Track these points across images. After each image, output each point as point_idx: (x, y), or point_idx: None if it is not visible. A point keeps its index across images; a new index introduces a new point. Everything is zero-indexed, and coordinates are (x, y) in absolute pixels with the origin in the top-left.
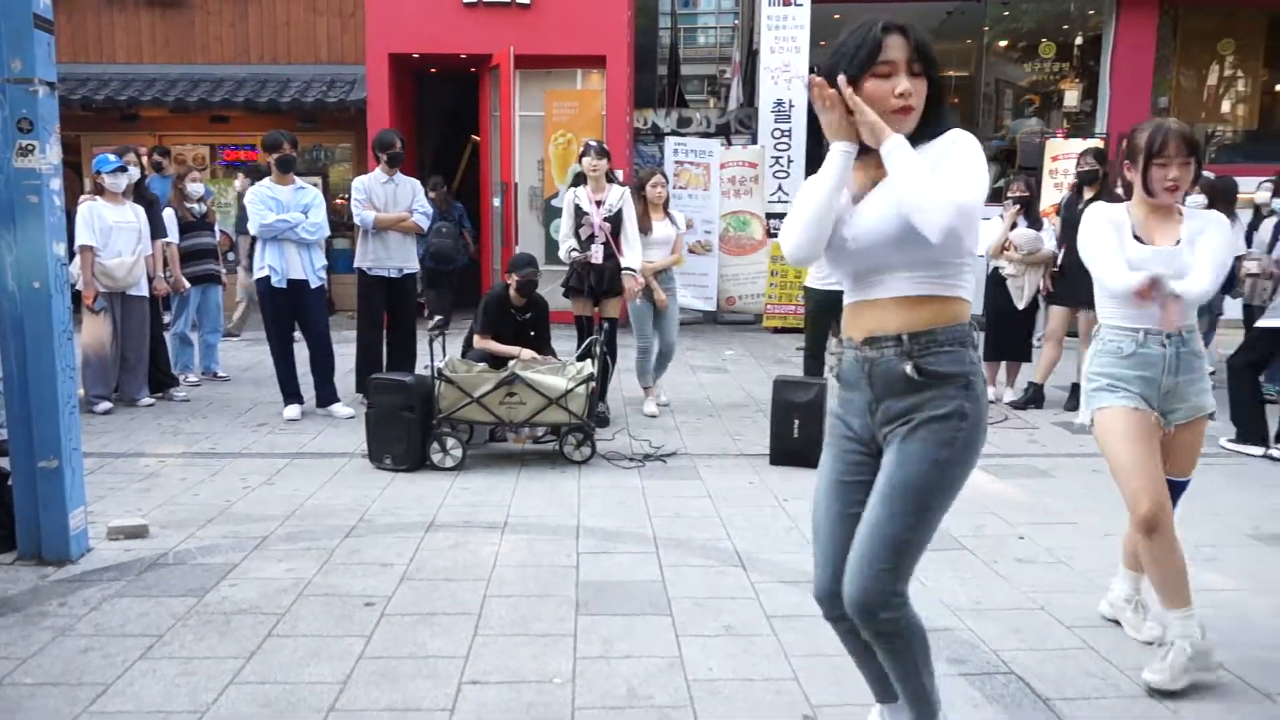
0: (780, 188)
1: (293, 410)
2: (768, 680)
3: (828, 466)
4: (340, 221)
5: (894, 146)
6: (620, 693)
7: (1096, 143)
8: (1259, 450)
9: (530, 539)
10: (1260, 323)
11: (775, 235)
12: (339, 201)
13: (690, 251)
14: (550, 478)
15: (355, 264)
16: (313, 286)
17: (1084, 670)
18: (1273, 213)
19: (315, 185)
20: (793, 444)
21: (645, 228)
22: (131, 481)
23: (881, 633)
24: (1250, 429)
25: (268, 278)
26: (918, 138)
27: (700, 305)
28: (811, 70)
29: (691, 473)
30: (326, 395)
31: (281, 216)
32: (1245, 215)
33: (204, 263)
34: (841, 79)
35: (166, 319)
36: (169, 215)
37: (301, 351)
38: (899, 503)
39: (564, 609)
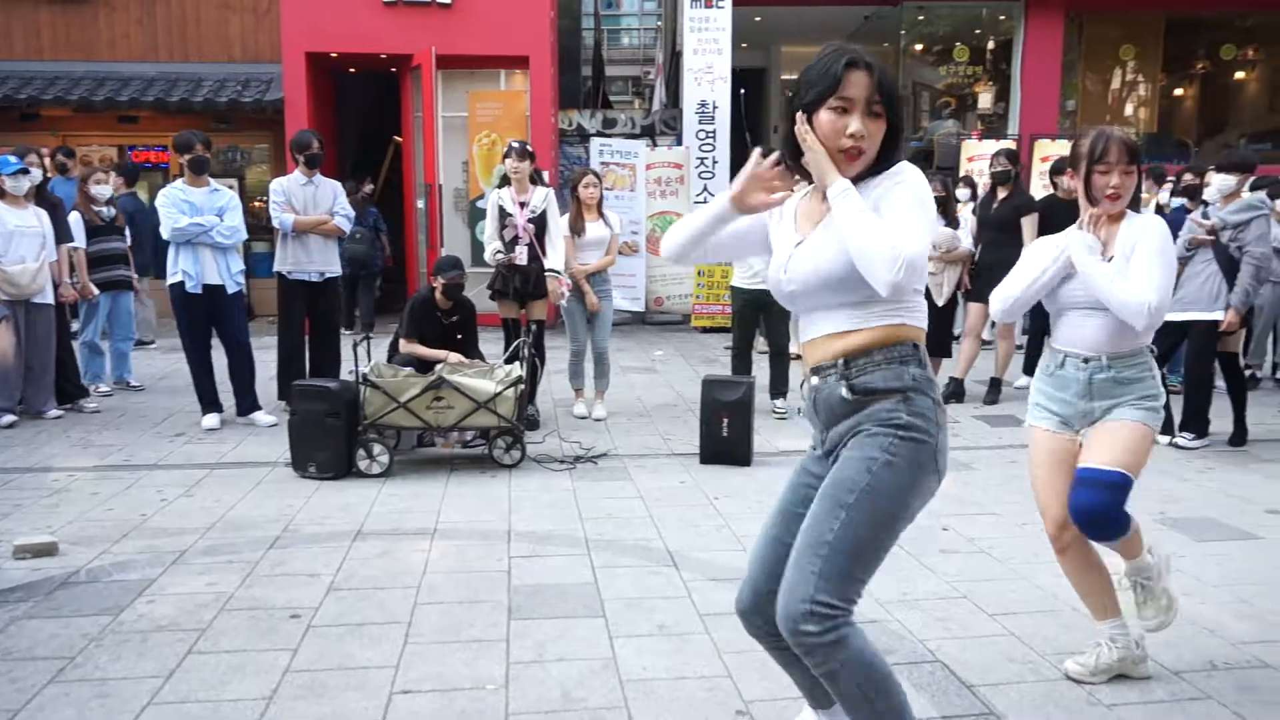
0: (706, 188)
1: (211, 419)
2: (701, 678)
3: (782, 494)
4: (259, 224)
5: (840, 191)
6: (554, 696)
7: (1009, 144)
8: (1165, 439)
9: (461, 545)
10: None
11: None
12: (257, 204)
13: (618, 253)
14: (480, 482)
15: (275, 268)
16: (230, 292)
17: (1006, 656)
18: (1172, 210)
19: (231, 187)
20: (722, 443)
21: (579, 229)
22: (39, 497)
23: (808, 648)
24: None
25: (181, 283)
26: (865, 174)
27: (629, 306)
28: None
29: (623, 473)
30: (247, 404)
31: (195, 220)
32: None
33: (114, 268)
34: (799, 117)
35: (75, 327)
36: (75, 219)
37: (220, 359)
38: (827, 502)
39: (496, 614)
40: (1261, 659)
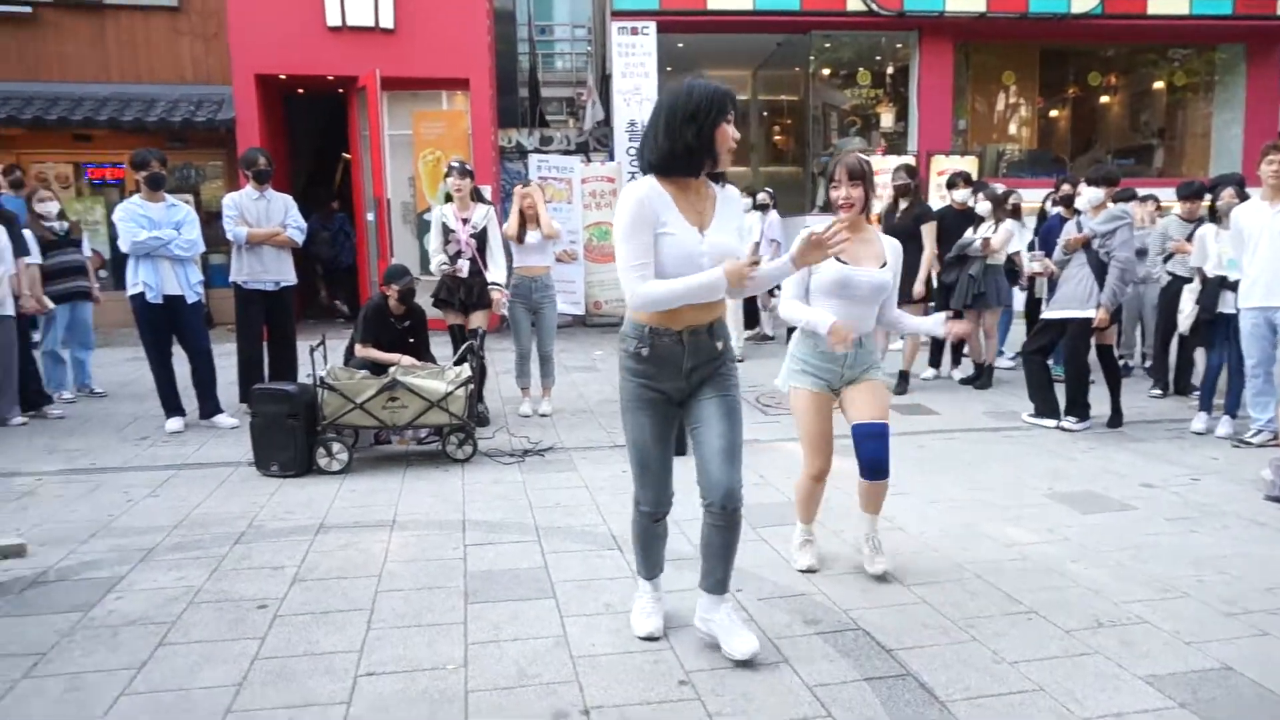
0: None
1: (175, 423)
2: (646, 651)
3: (650, 422)
4: (216, 237)
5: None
6: (510, 673)
7: (909, 160)
8: (1052, 423)
9: (418, 535)
10: (1044, 314)
11: None
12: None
13: (558, 260)
14: (435, 476)
15: (230, 278)
16: (189, 302)
17: (920, 622)
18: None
19: (187, 202)
20: None
21: (519, 237)
22: (6, 501)
23: (738, 513)
24: (1044, 405)
25: (142, 294)
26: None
27: (571, 310)
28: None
29: (568, 465)
30: (210, 408)
31: (154, 234)
32: (1032, 221)
33: (72, 280)
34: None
35: (36, 337)
36: (28, 235)
37: (182, 366)
38: (735, 416)
39: (454, 599)
40: (1140, 616)
